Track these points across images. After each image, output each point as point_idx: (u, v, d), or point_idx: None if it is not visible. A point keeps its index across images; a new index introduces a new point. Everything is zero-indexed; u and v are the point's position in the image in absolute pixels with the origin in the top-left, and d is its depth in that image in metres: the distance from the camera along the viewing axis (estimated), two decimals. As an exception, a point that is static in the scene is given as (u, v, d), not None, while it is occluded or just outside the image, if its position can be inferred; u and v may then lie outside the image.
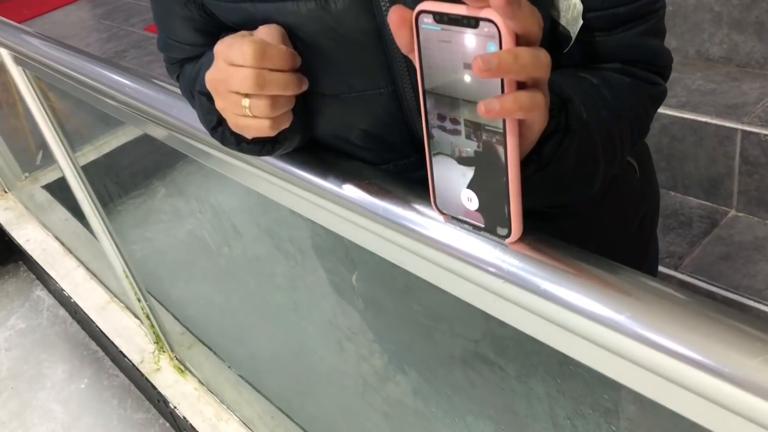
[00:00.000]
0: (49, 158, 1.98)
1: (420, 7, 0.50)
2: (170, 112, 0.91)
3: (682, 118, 1.89)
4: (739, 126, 1.80)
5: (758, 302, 1.66)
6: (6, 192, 2.95)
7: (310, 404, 1.58)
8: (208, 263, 2.26)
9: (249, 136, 0.67)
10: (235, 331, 1.90)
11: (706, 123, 1.86)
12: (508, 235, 0.54)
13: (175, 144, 0.97)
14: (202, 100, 0.70)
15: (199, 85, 0.70)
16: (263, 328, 1.76)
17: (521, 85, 0.49)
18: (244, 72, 0.61)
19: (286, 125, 0.67)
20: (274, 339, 1.69)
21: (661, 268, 1.75)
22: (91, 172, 2.30)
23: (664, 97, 0.73)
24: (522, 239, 0.55)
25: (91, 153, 2.37)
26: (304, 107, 0.71)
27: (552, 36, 0.68)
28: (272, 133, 0.66)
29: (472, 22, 0.48)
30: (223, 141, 0.72)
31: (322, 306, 1.20)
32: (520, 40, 0.47)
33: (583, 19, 0.66)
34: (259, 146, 0.71)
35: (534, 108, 0.49)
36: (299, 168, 0.73)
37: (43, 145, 1.81)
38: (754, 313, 1.67)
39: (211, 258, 2.23)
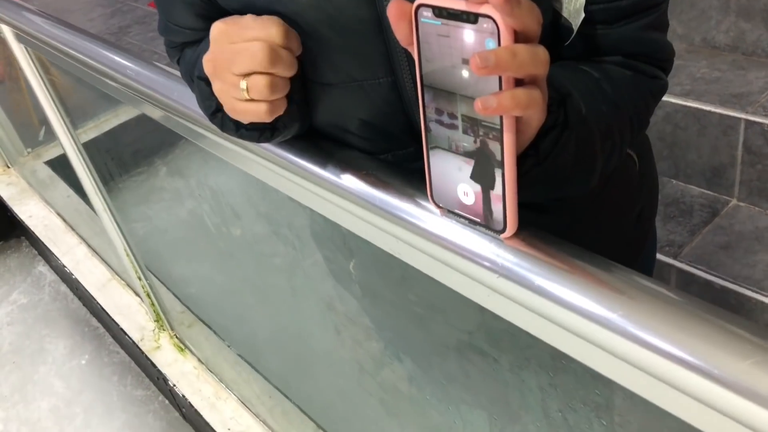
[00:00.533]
0: (51, 134, 1.98)
1: (419, 0, 0.50)
2: (170, 95, 0.91)
3: (686, 107, 1.88)
4: (742, 115, 1.79)
5: (756, 293, 1.66)
6: (8, 167, 2.95)
7: (308, 385, 1.59)
8: (210, 243, 2.26)
9: (245, 121, 0.67)
10: (235, 310, 1.92)
11: (709, 112, 1.85)
12: (504, 230, 0.54)
13: (174, 126, 0.97)
14: (201, 85, 0.70)
15: (198, 71, 0.69)
16: (263, 308, 1.77)
17: (519, 82, 0.49)
18: (256, 47, 0.60)
19: (281, 111, 0.66)
20: (274, 320, 1.70)
21: (660, 257, 1.76)
22: (93, 149, 2.30)
23: (665, 91, 0.73)
24: (517, 235, 0.55)
25: (93, 130, 2.37)
26: (303, 95, 0.71)
27: (554, 28, 0.68)
28: (269, 119, 0.65)
29: (471, 18, 0.47)
30: (223, 127, 0.72)
31: (322, 289, 1.20)
32: (518, 37, 0.47)
33: (585, 11, 0.65)
34: (258, 133, 0.70)
35: (531, 105, 0.49)
36: (297, 156, 0.73)
37: (46, 121, 1.81)
38: (752, 304, 1.68)
39: (212, 237, 2.23)
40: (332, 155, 0.71)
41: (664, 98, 1.88)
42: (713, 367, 0.43)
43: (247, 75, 0.62)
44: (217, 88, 0.65)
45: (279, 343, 1.70)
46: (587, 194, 0.72)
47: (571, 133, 0.57)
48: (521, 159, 0.55)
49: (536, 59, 0.47)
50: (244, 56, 0.60)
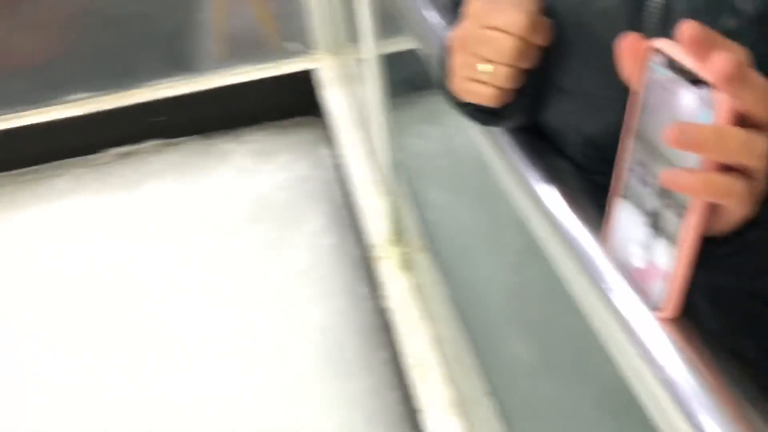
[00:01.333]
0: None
1: (654, 43, 0.45)
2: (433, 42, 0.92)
3: None
4: None
5: None
6: (331, 54, 3.23)
7: (498, 353, 1.59)
8: (472, 180, 2.30)
9: (468, 100, 0.67)
10: (466, 253, 1.95)
11: None
12: (662, 308, 0.49)
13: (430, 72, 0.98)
14: (441, 52, 0.70)
15: (443, 39, 0.69)
16: (493, 262, 1.78)
17: (728, 166, 0.42)
18: (507, 41, 0.60)
19: (507, 100, 0.65)
20: (496, 276, 1.70)
21: None
22: (403, 58, 2.42)
23: None
24: (677, 320, 0.48)
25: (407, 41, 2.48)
26: (536, 90, 0.67)
27: None
28: (496, 104, 0.64)
29: (696, 80, 0.41)
30: (450, 100, 0.72)
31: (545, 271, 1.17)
32: (740, 119, 0.40)
33: None
34: (484, 117, 0.70)
35: (729, 196, 0.42)
36: (512, 142, 0.71)
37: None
38: None
39: (477, 176, 2.26)
40: (542, 157, 0.68)
41: None
42: None
43: (489, 61, 0.61)
44: (458, 62, 0.65)
45: (490, 301, 1.71)
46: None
47: None
48: (714, 242, 0.48)
49: (749, 149, 0.40)
50: (491, 46, 0.61)
